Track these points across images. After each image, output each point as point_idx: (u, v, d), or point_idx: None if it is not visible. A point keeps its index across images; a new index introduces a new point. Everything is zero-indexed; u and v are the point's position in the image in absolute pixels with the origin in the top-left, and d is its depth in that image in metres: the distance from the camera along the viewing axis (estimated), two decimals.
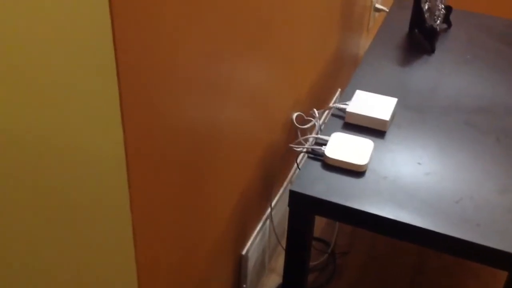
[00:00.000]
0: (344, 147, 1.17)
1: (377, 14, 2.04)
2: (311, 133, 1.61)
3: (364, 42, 2.02)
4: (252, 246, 1.36)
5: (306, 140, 1.26)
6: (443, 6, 1.55)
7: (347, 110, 1.26)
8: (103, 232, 0.75)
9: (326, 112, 1.68)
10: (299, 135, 1.49)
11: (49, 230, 0.65)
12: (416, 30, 1.53)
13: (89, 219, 0.71)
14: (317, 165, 1.16)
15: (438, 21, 1.53)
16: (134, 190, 0.80)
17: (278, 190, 1.50)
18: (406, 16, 1.62)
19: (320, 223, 1.67)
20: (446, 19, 1.59)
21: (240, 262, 1.34)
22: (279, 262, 1.57)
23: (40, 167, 0.61)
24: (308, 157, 1.18)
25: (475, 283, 1.52)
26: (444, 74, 1.42)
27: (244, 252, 1.34)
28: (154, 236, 0.90)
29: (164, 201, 0.90)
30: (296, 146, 1.26)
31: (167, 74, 0.81)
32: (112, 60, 0.67)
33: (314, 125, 1.45)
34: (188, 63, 0.86)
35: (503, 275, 1.55)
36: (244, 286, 1.38)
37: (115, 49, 0.68)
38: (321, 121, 1.64)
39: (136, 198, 0.81)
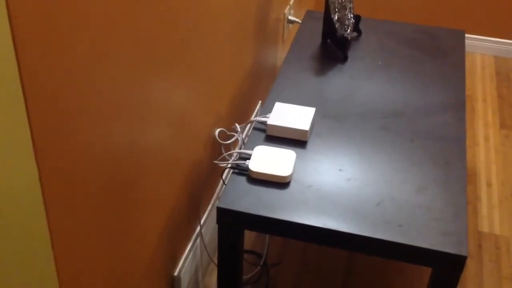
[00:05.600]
0: (267, 159, 1.18)
1: (290, 25, 2.09)
2: (234, 148, 1.62)
3: (280, 54, 2.06)
4: (184, 266, 1.35)
5: (230, 156, 1.26)
6: (352, 15, 1.61)
7: (268, 123, 1.28)
8: (25, 268, 0.73)
9: (248, 125, 1.69)
10: (223, 151, 1.50)
11: None
12: (329, 40, 1.58)
13: (9, 259, 0.69)
14: (242, 179, 1.17)
15: (349, 30, 1.58)
16: (54, 224, 0.78)
17: (207, 207, 1.50)
18: (318, 27, 1.67)
19: (250, 235, 1.68)
20: (356, 28, 1.65)
21: (173, 283, 1.33)
22: (213, 278, 1.57)
23: None
24: (233, 172, 1.19)
25: (403, 281, 1.57)
26: (358, 81, 1.47)
27: (176, 273, 1.32)
28: (80, 266, 0.88)
29: (88, 231, 0.88)
30: (221, 162, 1.27)
31: (82, 101, 0.80)
32: (20, 92, 0.66)
33: (237, 140, 1.47)
34: (104, 89, 0.85)
35: (427, 270, 1.61)
36: None
37: (22, 80, 0.66)
38: (243, 135, 1.65)
39: (57, 232, 0.79)
